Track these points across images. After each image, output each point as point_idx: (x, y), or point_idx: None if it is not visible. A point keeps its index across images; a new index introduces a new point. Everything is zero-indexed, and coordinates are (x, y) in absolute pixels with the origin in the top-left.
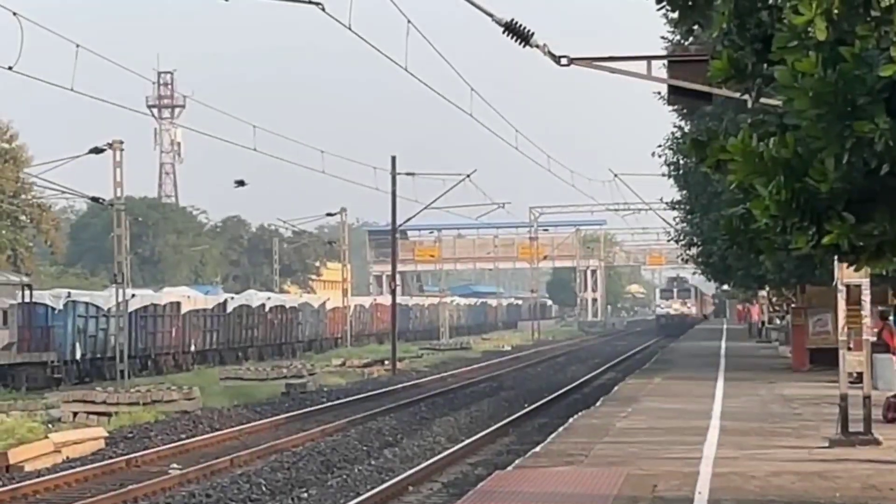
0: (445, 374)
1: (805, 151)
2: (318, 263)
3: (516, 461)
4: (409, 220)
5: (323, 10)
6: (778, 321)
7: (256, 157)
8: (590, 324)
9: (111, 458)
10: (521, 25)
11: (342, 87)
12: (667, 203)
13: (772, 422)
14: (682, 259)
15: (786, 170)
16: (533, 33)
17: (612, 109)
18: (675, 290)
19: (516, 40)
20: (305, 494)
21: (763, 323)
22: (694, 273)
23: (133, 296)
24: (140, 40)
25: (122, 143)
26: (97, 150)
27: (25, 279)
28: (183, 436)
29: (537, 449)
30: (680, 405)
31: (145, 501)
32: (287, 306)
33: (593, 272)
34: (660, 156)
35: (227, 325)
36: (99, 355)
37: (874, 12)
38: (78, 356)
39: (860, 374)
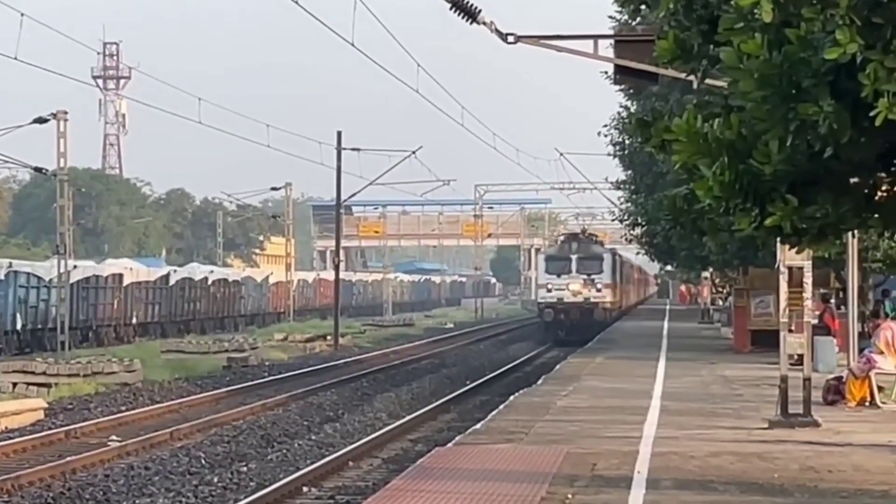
0: (388, 350)
1: (749, 133)
2: (262, 238)
3: (456, 438)
4: (353, 195)
5: None
6: (720, 302)
7: (201, 130)
8: (533, 302)
9: (50, 429)
10: (468, 2)
11: (288, 60)
12: (612, 182)
13: (712, 402)
14: (626, 239)
15: (730, 151)
16: (480, 10)
17: (558, 88)
18: (572, 258)
19: (463, 17)
20: (245, 468)
21: (709, 303)
22: (638, 253)
23: (75, 267)
24: (86, 10)
25: (66, 113)
26: (41, 120)
27: None
28: (123, 408)
29: (478, 426)
30: (621, 384)
31: (84, 473)
32: (230, 280)
33: (538, 251)
34: (605, 135)
35: (170, 297)
36: (40, 326)
37: None
38: (18, 327)
39: (801, 357)
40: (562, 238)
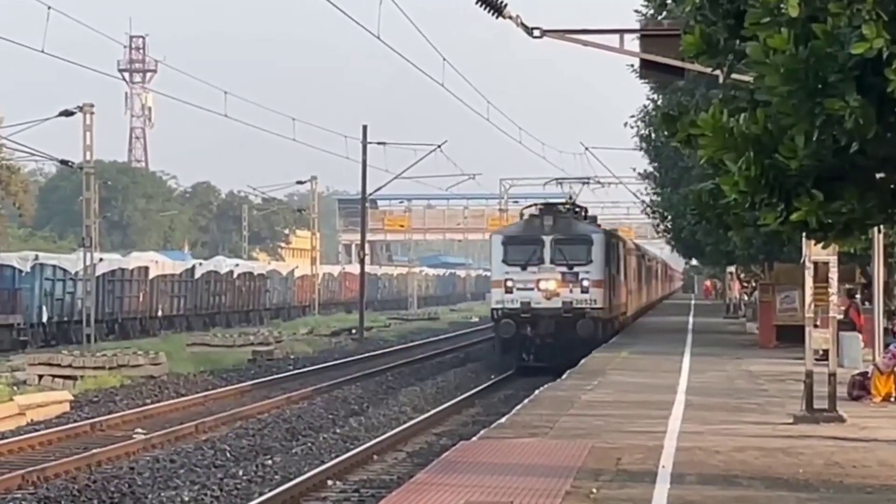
0: (413, 344)
1: (775, 128)
2: (287, 231)
3: (481, 432)
4: (379, 189)
5: None
6: (746, 297)
7: (228, 124)
8: None
9: (76, 421)
10: None
11: (315, 54)
12: (638, 174)
13: (737, 397)
14: (656, 230)
15: (755, 146)
16: (506, 4)
17: (584, 83)
18: (545, 241)
19: (489, 11)
20: (270, 461)
21: (740, 299)
22: (663, 248)
23: (101, 260)
24: (112, 4)
25: (92, 106)
26: (67, 113)
27: None
28: (148, 401)
29: (502, 420)
30: (646, 379)
31: (109, 466)
32: (255, 273)
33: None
34: (632, 127)
35: (195, 291)
36: (66, 319)
37: None
38: (44, 319)
39: (826, 352)
40: (531, 212)
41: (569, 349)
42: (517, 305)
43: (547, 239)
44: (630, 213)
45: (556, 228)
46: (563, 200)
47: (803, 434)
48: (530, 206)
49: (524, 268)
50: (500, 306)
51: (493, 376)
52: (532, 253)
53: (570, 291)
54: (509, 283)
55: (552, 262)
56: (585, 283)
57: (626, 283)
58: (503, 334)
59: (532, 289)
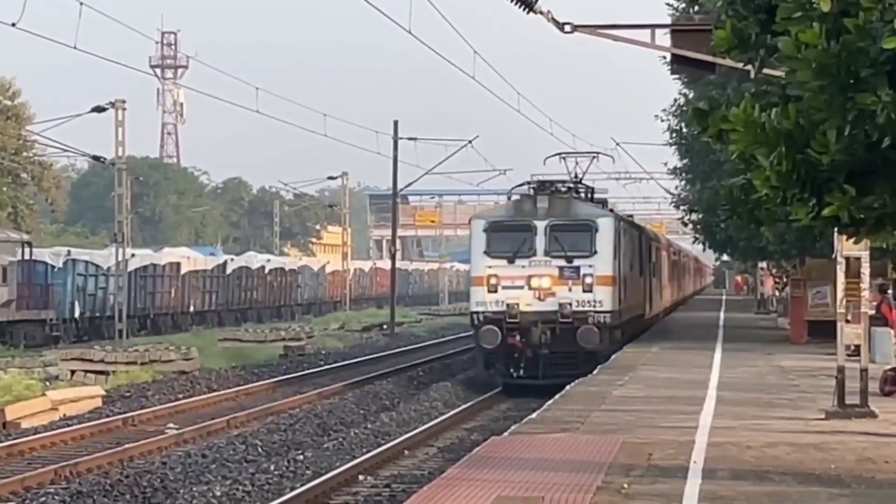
0: (444, 339)
1: (807, 123)
2: (318, 227)
3: (512, 427)
4: (410, 184)
5: None
6: (777, 293)
7: (259, 120)
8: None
9: (108, 416)
10: None
11: (345, 49)
12: (669, 169)
13: (769, 393)
14: (683, 223)
15: (787, 141)
16: (537, 0)
17: (614, 77)
18: (537, 227)
19: (520, 6)
20: (301, 456)
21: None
22: (694, 242)
23: (133, 255)
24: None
25: (124, 102)
26: (99, 109)
27: (26, 237)
28: (180, 396)
29: (533, 416)
30: (677, 374)
31: (141, 460)
32: (287, 269)
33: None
34: (663, 120)
35: (227, 286)
36: (98, 314)
37: None
38: (77, 314)
39: (858, 347)
40: (523, 192)
41: (568, 363)
42: (502, 308)
43: (540, 224)
44: (661, 208)
45: (553, 211)
46: (562, 178)
47: (835, 429)
48: (521, 185)
49: (512, 261)
50: (481, 309)
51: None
52: (521, 242)
53: (570, 290)
54: (493, 281)
55: (547, 253)
56: (589, 281)
57: (649, 278)
58: (485, 344)
59: (521, 287)
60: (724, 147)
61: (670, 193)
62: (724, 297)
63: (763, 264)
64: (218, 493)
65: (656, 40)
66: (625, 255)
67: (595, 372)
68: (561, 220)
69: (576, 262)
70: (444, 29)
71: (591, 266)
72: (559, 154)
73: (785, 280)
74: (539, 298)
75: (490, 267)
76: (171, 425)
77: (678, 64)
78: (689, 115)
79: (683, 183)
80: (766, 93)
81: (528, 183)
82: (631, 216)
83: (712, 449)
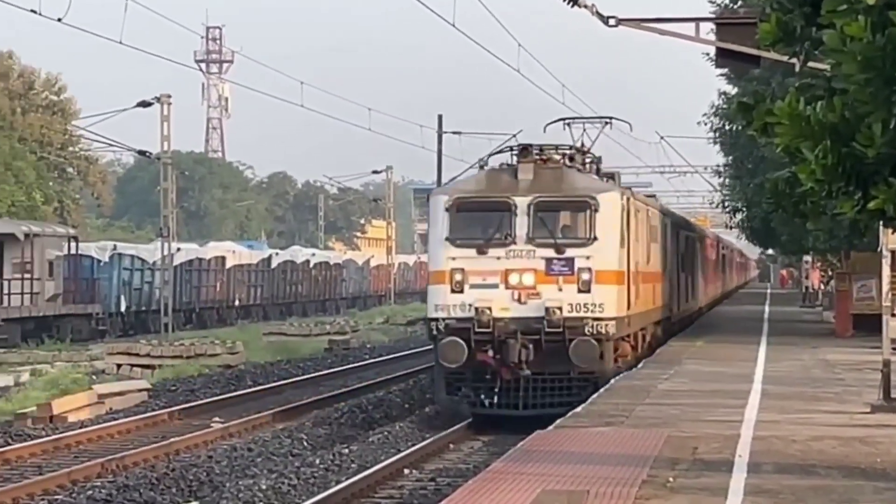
0: None
1: (852, 116)
2: (363, 221)
3: (557, 421)
4: (454, 178)
5: None
6: (822, 286)
7: (304, 114)
8: None
9: (154, 410)
10: None
11: (390, 43)
12: (712, 168)
13: (814, 386)
14: (727, 225)
15: (832, 134)
16: None
17: (659, 70)
18: (515, 203)
19: (564, 0)
20: (346, 450)
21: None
22: (739, 237)
23: (178, 250)
24: None
25: (169, 97)
26: (145, 104)
27: (72, 231)
28: (226, 390)
29: (578, 409)
30: (722, 368)
31: (187, 454)
32: (331, 263)
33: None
34: (706, 123)
35: (272, 280)
36: (143, 308)
37: None
38: (122, 309)
39: None
40: (500, 159)
41: (557, 388)
42: (469, 314)
43: (521, 202)
44: (706, 201)
45: (539, 184)
46: (575, 147)
47: (881, 423)
48: (498, 151)
49: (483, 250)
50: (441, 315)
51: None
52: (497, 225)
53: (560, 290)
54: (458, 277)
55: (530, 239)
56: (586, 277)
57: (679, 273)
58: (447, 362)
59: (495, 285)
60: (769, 141)
61: (715, 192)
62: (768, 291)
63: (808, 258)
64: (263, 487)
65: (700, 35)
66: (640, 244)
67: (640, 366)
68: (550, 195)
69: (569, 253)
70: (489, 22)
71: (588, 257)
72: (562, 119)
73: (830, 273)
74: (519, 301)
75: (454, 259)
76: (217, 419)
77: (723, 57)
78: (733, 110)
79: (728, 180)
80: (812, 86)
81: (511, 148)
82: (653, 196)
83: (757, 443)
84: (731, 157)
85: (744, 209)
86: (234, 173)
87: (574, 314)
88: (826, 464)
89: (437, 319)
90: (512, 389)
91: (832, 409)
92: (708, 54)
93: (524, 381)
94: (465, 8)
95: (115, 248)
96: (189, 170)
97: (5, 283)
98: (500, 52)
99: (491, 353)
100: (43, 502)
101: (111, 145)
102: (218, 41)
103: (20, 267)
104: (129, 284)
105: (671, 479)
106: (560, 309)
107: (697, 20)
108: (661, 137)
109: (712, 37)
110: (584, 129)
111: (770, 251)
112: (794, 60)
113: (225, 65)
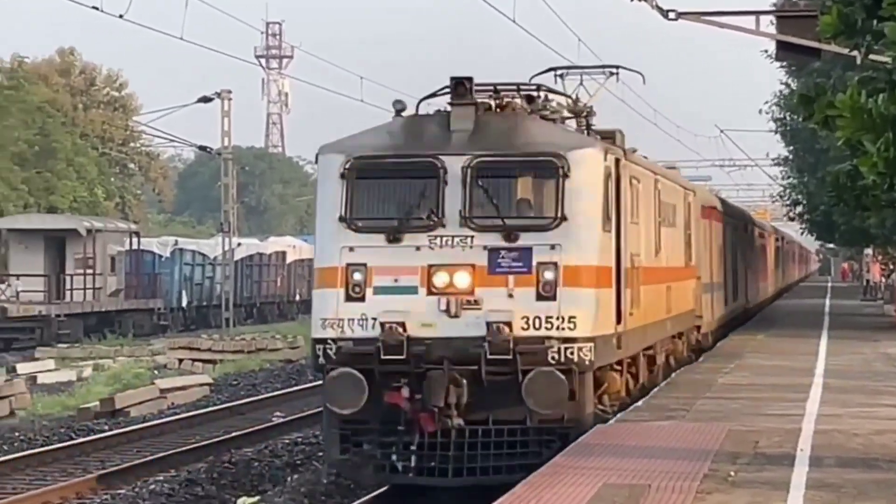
0: None
1: None
2: None
3: (618, 415)
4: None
5: None
6: (884, 279)
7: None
8: None
9: (215, 405)
10: None
11: (449, 39)
12: (773, 160)
13: (875, 380)
14: (788, 217)
15: (894, 127)
16: None
17: (718, 64)
18: (449, 171)
19: None
20: None
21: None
22: (801, 232)
23: (239, 245)
24: None
25: (230, 92)
26: (206, 100)
27: (133, 227)
28: (287, 384)
29: (639, 403)
30: (783, 362)
31: (249, 448)
32: None
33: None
34: (767, 112)
35: None
36: (205, 303)
37: None
38: (184, 304)
39: None
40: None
41: (508, 443)
42: (374, 332)
43: (454, 163)
44: (765, 195)
45: (482, 138)
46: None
47: None
48: (431, 95)
49: (395, 237)
50: (330, 335)
51: None
52: (416, 198)
53: (511, 296)
54: (357, 277)
55: (466, 220)
56: (549, 276)
57: (722, 268)
58: (338, 406)
59: (413, 289)
60: (830, 134)
61: (776, 184)
62: (829, 285)
63: (869, 251)
64: (325, 481)
65: (761, 27)
66: (642, 227)
67: (701, 360)
68: (496, 153)
69: (524, 240)
70: (549, 18)
71: (553, 247)
72: (553, 69)
73: (892, 266)
74: (448, 313)
75: (351, 249)
76: (278, 413)
77: (783, 50)
78: (794, 102)
79: (789, 172)
80: (873, 79)
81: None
82: (674, 167)
83: (819, 436)
84: (792, 149)
85: (804, 202)
86: (295, 168)
87: (531, 332)
88: (889, 458)
89: (324, 341)
90: (438, 447)
91: (894, 402)
92: (767, 51)
93: (455, 435)
94: (525, 3)
95: (176, 243)
96: (249, 165)
97: (68, 279)
98: (560, 48)
99: (406, 392)
100: (105, 496)
101: (172, 141)
102: (278, 36)
103: (82, 262)
104: (190, 279)
105: (732, 473)
106: (510, 325)
107: (758, 13)
108: (721, 131)
109: (772, 30)
110: (582, 82)
111: (831, 244)
112: (854, 53)
113: (285, 60)
